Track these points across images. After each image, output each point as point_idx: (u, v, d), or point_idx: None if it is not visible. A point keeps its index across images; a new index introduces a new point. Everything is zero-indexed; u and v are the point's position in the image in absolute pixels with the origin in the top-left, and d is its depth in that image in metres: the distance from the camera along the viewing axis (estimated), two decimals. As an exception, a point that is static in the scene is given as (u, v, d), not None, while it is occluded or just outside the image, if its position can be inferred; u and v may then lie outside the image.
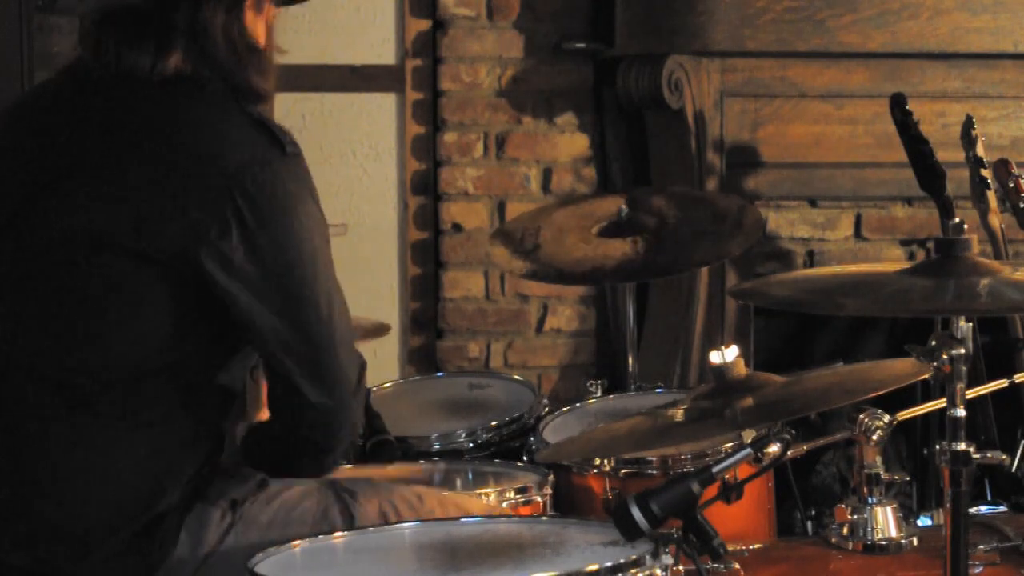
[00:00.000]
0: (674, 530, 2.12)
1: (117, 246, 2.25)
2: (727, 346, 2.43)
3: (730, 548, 2.45)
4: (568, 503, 2.91)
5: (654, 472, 2.88)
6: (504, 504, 2.72)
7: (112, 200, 2.26)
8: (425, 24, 4.72)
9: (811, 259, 4.62)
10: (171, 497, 2.32)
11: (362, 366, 2.45)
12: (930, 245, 4.41)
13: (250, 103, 2.37)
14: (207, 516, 2.36)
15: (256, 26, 2.40)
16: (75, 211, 2.28)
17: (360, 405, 2.45)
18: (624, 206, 3.62)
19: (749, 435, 2.66)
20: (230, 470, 2.44)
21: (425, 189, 4.75)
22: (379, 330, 3.89)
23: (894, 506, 2.76)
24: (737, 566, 2.47)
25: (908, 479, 3.38)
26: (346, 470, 2.98)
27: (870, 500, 2.74)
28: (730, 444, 2.80)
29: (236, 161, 2.26)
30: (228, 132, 2.30)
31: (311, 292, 2.32)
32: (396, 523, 2.35)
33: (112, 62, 2.33)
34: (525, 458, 3.07)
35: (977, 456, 2.22)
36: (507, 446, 3.18)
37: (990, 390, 3.02)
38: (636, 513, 2.09)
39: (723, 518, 2.32)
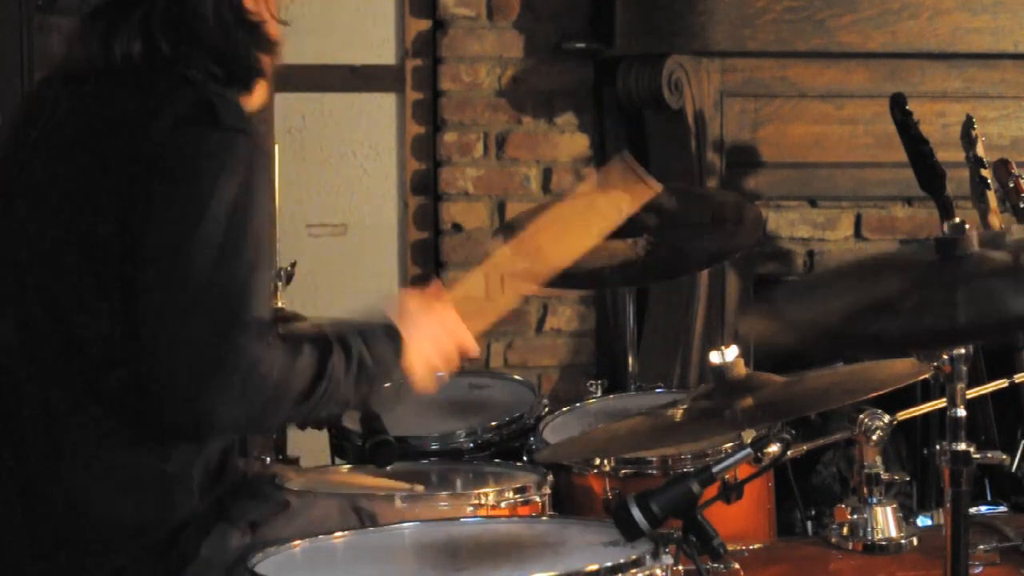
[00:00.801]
0: (674, 530, 2.12)
1: (108, 249, 2.24)
2: (727, 346, 2.43)
3: (730, 548, 2.44)
4: (568, 503, 2.91)
5: (654, 472, 2.88)
6: (503, 504, 2.72)
7: (62, 203, 2.26)
8: (425, 24, 4.72)
9: (811, 259, 4.62)
10: (185, 507, 2.32)
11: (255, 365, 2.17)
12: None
13: (238, 85, 2.35)
14: (227, 536, 2.35)
15: (251, 1, 2.37)
16: (66, 212, 2.27)
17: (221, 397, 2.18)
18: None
19: (749, 435, 2.65)
20: (251, 491, 2.44)
21: (425, 189, 4.75)
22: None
23: (894, 506, 2.76)
24: (737, 566, 2.47)
25: (908, 479, 3.38)
26: (345, 473, 2.99)
27: (870, 500, 2.74)
28: (730, 444, 2.80)
29: (157, 134, 2.21)
30: (161, 108, 2.24)
31: (210, 268, 2.16)
32: (396, 523, 2.35)
33: (99, 56, 2.32)
34: (525, 458, 3.07)
35: (977, 456, 2.21)
36: (507, 446, 3.18)
37: (990, 390, 3.02)
38: (636, 513, 2.09)
39: (723, 518, 2.32)
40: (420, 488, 2.73)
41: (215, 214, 2.16)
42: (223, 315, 2.15)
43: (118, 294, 2.20)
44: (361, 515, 2.47)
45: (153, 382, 2.15)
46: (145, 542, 2.28)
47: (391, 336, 2.39)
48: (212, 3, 2.32)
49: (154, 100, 2.26)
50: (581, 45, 4.69)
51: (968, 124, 3.91)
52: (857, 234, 4.63)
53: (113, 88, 2.30)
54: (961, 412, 2.21)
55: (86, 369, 2.25)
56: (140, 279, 2.17)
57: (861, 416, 2.74)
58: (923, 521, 3.34)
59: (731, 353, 2.42)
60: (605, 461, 2.90)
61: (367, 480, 2.76)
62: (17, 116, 2.48)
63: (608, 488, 2.89)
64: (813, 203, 4.60)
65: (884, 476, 2.75)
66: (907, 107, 3.80)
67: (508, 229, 3.79)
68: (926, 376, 2.29)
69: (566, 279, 3.61)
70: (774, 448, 2.31)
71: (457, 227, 4.72)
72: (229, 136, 2.22)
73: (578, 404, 3.31)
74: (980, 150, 3.89)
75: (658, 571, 2.06)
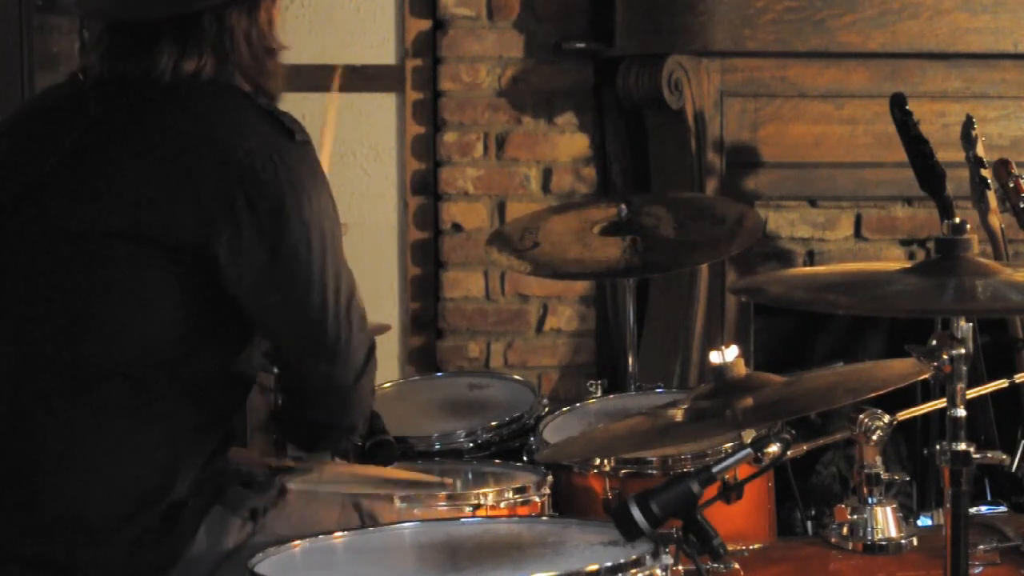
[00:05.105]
0: (674, 530, 2.13)
1: (126, 238, 2.28)
2: (727, 346, 2.43)
3: (730, 548, 2.44)
4: (568, 503, 2.91)
5: (654, 472, 2.88)
6: (502, 504, 2.73)
7: (121, 194, 2.29)
8: (425, 24, 4.72)
9: (811, 259, 4.62)
10: (181, 489, 2.33)
11: (371, 348, 2.47)
12: (930, 245, 4.42)
13: (263, 98, 2.41)
14: (227, 522, 2.38)
15: (268, 25, 2.45)
16: (83, 205, 2.31)
17: (368, 388, 2.47)
18: (624, 206, 3.63)
19: (749, 435, 2.65)
20: (251, 479, 2.45)
21: (425, 189, 4.75)
22: (379, 330, 3.89)
23: (894, 506, 2.76)
24: (737, 566, 2.47)
25: (908, 479, 3.37)
26: (346, 472, 2.99)
27: (870, 500, 2.74)
28: (730, 444, 2.80)
29: (244, 149, 2.30)
30: (237, 122, 2.33)
31: (319, 275, 2.35)
32: (396, 523, 2.36)
33: (123, 68, 2.36)
34: (525, 458, 3.07)
35: (977, 456, 2.22)
36: (507, 446, 3.19)
37: (990, 390, 3.01)
38: (636, 513, 2.09)
39: (723, 518, 2.32)
40: (450, 482, 2.74)
41: (321, 226, 2.38)
42: (359, 315, 2.41)
43: (184, 294, 2.30)
44: (361, 512, 2.48)
45: (326, 386, 2.42)
46: (143, 522, 2.29)
47: None
48: (244, 28, 2.39)
49: (229, 116, 2.34)
50: (581, 45, 4.68)
51: (968, 124, 3.91)
52: (857, 234, 4.63)
53: (183, 102, 2.35)
54: (961, 412, 2.21)
55: (124, 362, 2.30)
56: (271, 299, 2.33)
57: (861, 416, 2.74)
58: (923, 521, 3.34)
59: (731, 353, 2.42)
60: (605, 461, 2.90)
61: (398, 473, 2.77)
62: (34, 115, 2.49)
63: (608, 488, 2.89)
64: (813, 203, 4.60)
65: (884, 476, 2.74)
66: (907, 107, 3.80)
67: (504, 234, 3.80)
68: (926, 376, 2.29)
69: (563, 272, 3.64)
70: (774, 448, 2.31)
71: (457, 227, 4.72)
72: (304, 148, 2.40)
73: (578, 404, 3.31)
74: (980, 150, 3.89)
75: (658, 571, 2.07)
